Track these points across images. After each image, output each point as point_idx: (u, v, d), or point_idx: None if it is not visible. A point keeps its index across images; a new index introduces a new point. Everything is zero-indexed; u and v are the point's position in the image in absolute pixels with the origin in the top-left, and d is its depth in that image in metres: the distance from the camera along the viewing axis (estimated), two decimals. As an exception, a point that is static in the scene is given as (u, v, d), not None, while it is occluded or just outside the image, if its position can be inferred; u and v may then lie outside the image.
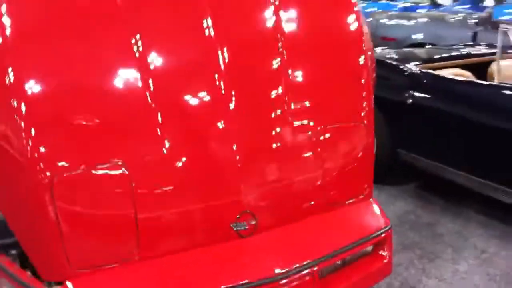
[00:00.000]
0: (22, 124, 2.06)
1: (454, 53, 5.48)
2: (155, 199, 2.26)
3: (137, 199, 2.21)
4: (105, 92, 2.23)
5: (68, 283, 2.13)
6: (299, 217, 2.56)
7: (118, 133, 2.24)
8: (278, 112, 2.52)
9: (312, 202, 2.60)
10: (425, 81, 4.50)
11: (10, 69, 2.06)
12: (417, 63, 4.94)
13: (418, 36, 8.73)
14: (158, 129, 2.25)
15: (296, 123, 2.57)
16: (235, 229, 2.37)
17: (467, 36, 8.16)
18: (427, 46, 7.31)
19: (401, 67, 4.76)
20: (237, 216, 2.37)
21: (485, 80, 4.68)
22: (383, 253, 2.72)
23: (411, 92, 4.50)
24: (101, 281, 2.16)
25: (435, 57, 5.26)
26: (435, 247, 3.73)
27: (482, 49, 5.71)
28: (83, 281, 2.14)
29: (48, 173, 2.07)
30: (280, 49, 2.58)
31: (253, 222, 2.39)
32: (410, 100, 4.47)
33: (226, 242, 2.38)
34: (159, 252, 2.27)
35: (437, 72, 4.59)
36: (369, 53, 2.87)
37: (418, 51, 6.01)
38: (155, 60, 2.30)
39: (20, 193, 2.16)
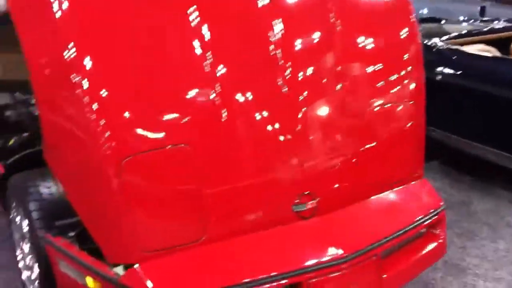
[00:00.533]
0: (93, 105, 2.00)
1: (476, 29, 5.42)
2: (219, 179, 2.22)
3: (203, 179, 2.17)
4: (171, 73, 2.16)
5: (136, 266, 2.09)
6: (358, 198, 2.53)
7: (183, 113, 2.18)
8: (337, 88, 2.48)
9: (371, 183, 2.57)
10: (453, 57, 4.45)
11: (78, 50, 2.01)
12: (443, 38, 4.88)
13: (424, 11, 8.64)
14: (221, 110, 2.20)
15: (354, 102, 2.53)
16: (295, 210, 2.34)
17: (475, 11, 8.09)
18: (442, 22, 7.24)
19: (428, 43, 4.70)
20: (297, 198, 2.33)
21: (508, 55, 4.65)
22: (438, 233, 2.71)
23: (439, 68, 4.46)
24: (170, 264, 2.12)
25: (460, 33, 5.20)
26: (473, 226, 3.73)
27: (501, 24, 5.65)
28: (152, 264, 2.09)
29: (118, 153, 2.02)
30: (337, 27, 2.52)
31: (314, 203, 2.36)
32: (439, 77, 4.43)
33: (287, 224, 2.34)
34: (224, 234, 2.24)
35: (463, 48, 4.54)
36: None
37: (440, 26, 5.94)
38: (216, 42, 2.24)
39: (89, 173, 2.11)
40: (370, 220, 2.50)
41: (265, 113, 2.31)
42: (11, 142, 3.11)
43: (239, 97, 2.25)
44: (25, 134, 3.12)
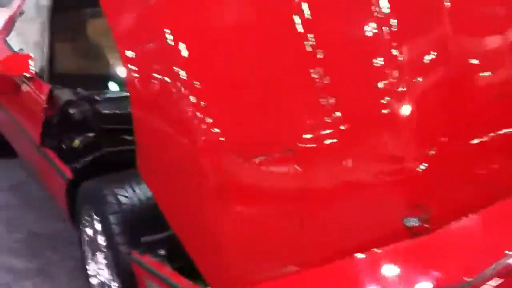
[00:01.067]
0: (197, 111, 1.76)
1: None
2: (328, 192, 1.98)
3: (310, 192, 1.92)
4: (278, 78, 1.92)
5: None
6: (479, 206, 2.24)
7: (290, 119, 1.93)
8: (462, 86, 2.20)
9: (492, 188, 2.28)
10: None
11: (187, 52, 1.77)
12: None
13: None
14: (332, 114, 1.95)
15: (476, 94, 2.26)
16: (407, 224, 2.08)
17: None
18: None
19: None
20: (409, 210, 2.08)
21: None
22: None
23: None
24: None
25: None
26: None
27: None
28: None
29: (223, 162, 1.78)
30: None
31: (428, 216, 2.10)
32: None
33: (399, 240, 2.09)
34: (333, 255, 1.99)
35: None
36: None
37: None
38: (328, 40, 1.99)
39: (191, 189, 1.86)
40: (496, 230, 2.22)
41: (376, 118, 2.06)
42: (76, 143, 2.88)
43: (348, 101, 2.00)
44: (91, 134, 2.89)
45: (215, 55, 1.84)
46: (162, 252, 2.16)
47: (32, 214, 3.64)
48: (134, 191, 2.38)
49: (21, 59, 3.26)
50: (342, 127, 1.95)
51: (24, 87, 3.30)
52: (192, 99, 1.75)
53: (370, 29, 2.09)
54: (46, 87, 3.08)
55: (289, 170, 1.87)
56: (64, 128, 2.96)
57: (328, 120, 1.94)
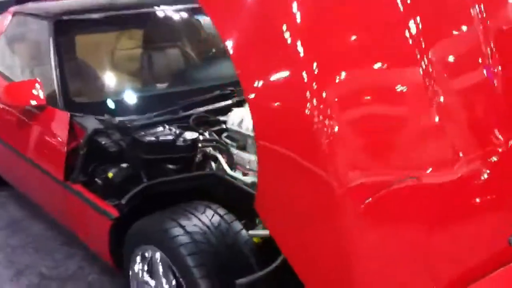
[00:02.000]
0: (327, 138, 1.56)
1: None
2: (448, 218, 1.82)
3: (433, 221, 1.76)
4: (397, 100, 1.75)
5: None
6: None
7: (410, 144, 1.77)
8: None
9: None
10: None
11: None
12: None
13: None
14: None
15: None
16: None
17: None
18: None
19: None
20: None
21: None
22: None
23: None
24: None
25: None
26: None
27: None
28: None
29: (357, 196, 1.59)
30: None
31: None
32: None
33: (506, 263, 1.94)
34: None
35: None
36: None
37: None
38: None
39: (321, 221, 1.66)
40: None
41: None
42: (111, 175, 2.59)
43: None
44: (124, 165, 2.60)
45: (348, 87, 1.65)
46: None
47: (39, 256, 3.29)
48: (208, 227, 2.13)
49: (27, 86, 2.93)
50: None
51: (34, 117, 2.96)
52: (328, 134, 1.55)
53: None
54: (65, 116, 2.77)
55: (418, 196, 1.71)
56: (95, 160, 2.66)
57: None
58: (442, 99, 1.78)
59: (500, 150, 1.88)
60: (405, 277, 1.71)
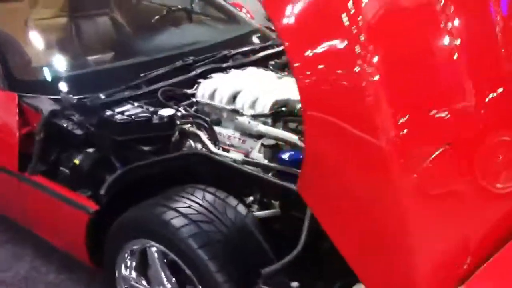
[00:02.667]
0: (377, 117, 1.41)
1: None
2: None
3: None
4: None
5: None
6: None
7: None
8: None
9: None
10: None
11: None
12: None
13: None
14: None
15: None
16: None
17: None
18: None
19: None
20: None
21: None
22: None
23: None
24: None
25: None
26: None
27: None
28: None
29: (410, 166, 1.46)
30: None
31: None
32: None
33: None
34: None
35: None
36: None
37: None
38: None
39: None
40: None
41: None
42: (78, 162, 2.27)
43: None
44: (90, 150, 2.29)
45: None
46: (296, 284, 1.75)
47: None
48: (213, 213, 1.92)
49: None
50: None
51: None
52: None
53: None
54: (12, 97, 2.40)
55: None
56: (55, 146, 2.33)
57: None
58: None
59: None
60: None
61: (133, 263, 2.08)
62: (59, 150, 2.32)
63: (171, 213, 1.89)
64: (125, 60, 2.74)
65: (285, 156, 2.20)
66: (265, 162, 2.17)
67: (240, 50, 2.93)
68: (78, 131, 2.26)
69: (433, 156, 1.52)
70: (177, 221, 1.86)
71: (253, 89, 2.46)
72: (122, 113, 2.25)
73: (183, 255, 1.85)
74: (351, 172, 1.51)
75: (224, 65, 2.79)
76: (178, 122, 2.28)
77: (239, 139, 2.38)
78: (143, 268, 2.10)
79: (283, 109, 2.38)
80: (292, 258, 1.73)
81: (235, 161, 2.20)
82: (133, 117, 2.22)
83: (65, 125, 2.28)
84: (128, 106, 2.31)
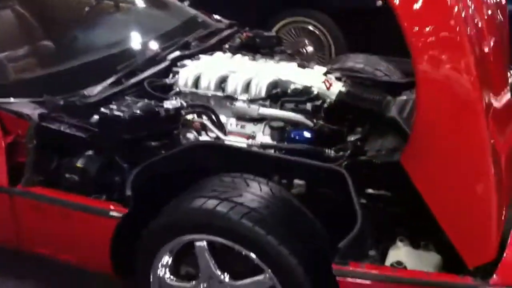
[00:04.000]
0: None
1: None
2: None
3: None
4: None
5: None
6: None
7: None
8: None
9: None
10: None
11: None
12: None
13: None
14: None
15: None
16: None
17: None
18: None
19: None
20: None
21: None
22: None
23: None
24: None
25: None
26: None
27: None
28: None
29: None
30: None
31: None
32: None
33: None
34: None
35: None
36: None
37: None
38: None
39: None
40: None
41: None
42: (83, 167, 2.07)
43: None
44: (90, 153, 2.11)
45: None
46: (373, 252, 1.82)
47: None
48: (265, 199, 1.91)
49: None
50: None
51: None
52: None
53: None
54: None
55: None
56: (49, 153, 2.13)
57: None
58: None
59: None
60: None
61: (171, 263, 1.99)
62: (57, 156, 2.12)
63: (225, 204, 1.84)
64: (97, 55, 2.53)
65: (297, 135, 2.25)
66: (285, 144, 2.19)
67: (200, 35, 2.87)
68: (80, 133, 2.08)
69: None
70: (237, 211, 1.82)
71: (242, 73, 2.44)
72: (125, 109, 2.11)
73: (249, 243, 1.82)
74: (458, 140, 1.60)
75: (189, 51, 2.72)
76: (183, 113, 2.20)
77: (237, 124, 2.36)
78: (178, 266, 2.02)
79: (278, 90, 2.41)
80: (358, 230, 1.79)
81: (250, 146, 2.20)
82: (140, 112, 2.09)
83: (61, 129, 2.09)
84: (126, 102, 2.17)
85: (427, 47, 1.62)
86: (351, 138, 2.31)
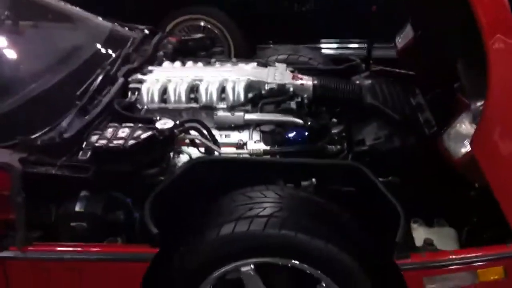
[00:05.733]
0: None
1: None
2: None
3: None
4: None
5: None
6: None
7: None
8: None
9: None
10: None
11: None
12: None
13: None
14: None
15: None
16: None
17: None
18: None
19: None
20: None
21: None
22: None
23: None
24: None
25: None
26: None
27: None
28: None
29: None
30: None
31: None
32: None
33: None
34: None
35: None
36: None
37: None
38: None
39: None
40: None
41: None
42: (82, 210, 1.80)
43: None
44: (85, 194, 1.85)
45: None
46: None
47: None
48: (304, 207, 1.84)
49: None
50: None
51: None
52: None
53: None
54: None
55: None
56: (40, 202, 1.85)
57: None
58: None
59: None
60: None
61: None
62: (52, 204, 1.84)
63: (257, 221, 1.74)
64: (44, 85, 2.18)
65: (294, 135, 2.20)
66: (289, 147, 2.14)
67: (135, 46, 2.66)
68: (78, 174, 1.82)
69: None
70: (289, 228, 1.73)
71: (210, 80, 2.31)
72: (116, 139, 1.89)
73: (305, 258, 1.74)
74: None
75: (135, 65, 2.50)
76: (176, 132, 2.03)
77: (220, 134, 2.24)
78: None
79: (255, 92, 2.32)
80: (404, 223, 1.79)
81: (251, 154, 2.10)
82: (138, 139, 1.89)
83: (53, 172, 1.82)
84: (113, 129, 1.95)
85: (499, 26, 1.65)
86: (335, 130, 2.31)
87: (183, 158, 2.09)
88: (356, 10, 3.93)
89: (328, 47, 4.36)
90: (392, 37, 2.91)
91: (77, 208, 1.83)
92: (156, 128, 1.95)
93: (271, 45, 3.95)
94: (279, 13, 4.09)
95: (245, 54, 4.03)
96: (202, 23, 4.11)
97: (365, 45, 4.07)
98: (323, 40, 4.32)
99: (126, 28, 2.97)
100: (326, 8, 4.15)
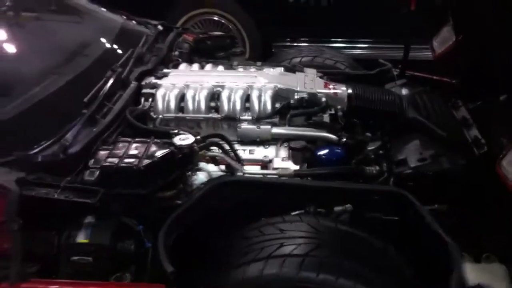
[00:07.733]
0: None
1: None
2: None
3: None
4: None
5: None
6: None
7: None
8: None
9: None
10: None
11: None
12: None
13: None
14: None
15: None
16: None
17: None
18: None
19: None
20: None
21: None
22: None
23: None
24: None
25: None
26: None
27: None
28: None
29: None
30: None
31: None
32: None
33: None
34: None
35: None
36: None
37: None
38: None
39: None
40: None
41: None
42: (87, 240, 1.55)
43: None
44: (91, 220, 1.60)
45: None
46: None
47: None
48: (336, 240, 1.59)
49: None
50: None
51: None
52: None
53: None
54: None
55: None
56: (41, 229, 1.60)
57: None
58: None
59: None
60: None
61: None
62: (53, 232, 1.59)
63: (310, 261, 1.49)
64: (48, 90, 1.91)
65: (327, 154, 1.95)
66: (323, 168, 1.88)
67: (148, 45, 2.39)
68: (83, 199, 1.57)
69: None
70: (328, 270, 1.48)
71: (232, 87, 2.06)
72: (128, 156, 1.64)
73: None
74: None
75: (149, 66, 2.24)
76: (196, 148, 1.78)
77: (243, 150, 1.99)
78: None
79: (283, 103, 2.07)
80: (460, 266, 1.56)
81: (280, 176, 1.85)
82: (154, 158, 1.64)
83: (55, 196, 1.57)
84: (124, 145, 1.70)
85: None
86: (371, 147, 2.06)
87: (201, 176, 1.83)
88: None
89: (348, 46, 4.04)
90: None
91: (81, 238, 1.58)
92: (174, 144, 1.70)
93: (288, 43, 3.68)
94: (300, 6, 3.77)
95: (261, 52, 3.77)
96: (215, 17, 3.84)
97: (383, 46, 3.85)
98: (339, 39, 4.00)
99: (135, 22, 2.71)
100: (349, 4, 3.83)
